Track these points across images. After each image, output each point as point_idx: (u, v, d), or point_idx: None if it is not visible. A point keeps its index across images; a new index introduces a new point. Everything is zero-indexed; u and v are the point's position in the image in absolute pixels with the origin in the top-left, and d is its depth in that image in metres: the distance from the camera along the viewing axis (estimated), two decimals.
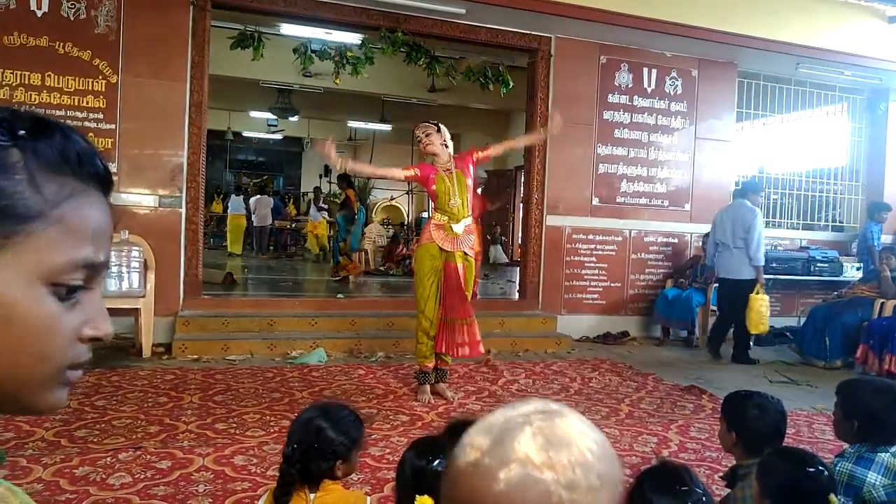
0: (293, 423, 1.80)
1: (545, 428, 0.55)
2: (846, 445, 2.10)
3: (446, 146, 4.28)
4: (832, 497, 1.55)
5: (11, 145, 0.52)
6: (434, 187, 4.20)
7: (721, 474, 2.39)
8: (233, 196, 14.53)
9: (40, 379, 0.54)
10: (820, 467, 1.63)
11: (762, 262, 5.99)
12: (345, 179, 9.30)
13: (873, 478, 1.90)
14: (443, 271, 4.17)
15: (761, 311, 5.88)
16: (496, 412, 0.59)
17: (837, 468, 1.95)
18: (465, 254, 4.24)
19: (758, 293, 5.91)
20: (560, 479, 0.53)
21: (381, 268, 11.06)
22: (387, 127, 13.89)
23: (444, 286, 4.18)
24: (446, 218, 4.20)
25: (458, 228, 4.19)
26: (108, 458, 2.97)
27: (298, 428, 1.74)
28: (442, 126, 4.30)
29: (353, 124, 15.12)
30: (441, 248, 4.18)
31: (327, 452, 1.68)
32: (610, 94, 6.98)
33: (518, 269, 7.79)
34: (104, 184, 0.58)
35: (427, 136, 4.22)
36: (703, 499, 1.42)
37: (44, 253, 0.52)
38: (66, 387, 0.57)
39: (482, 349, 4.28)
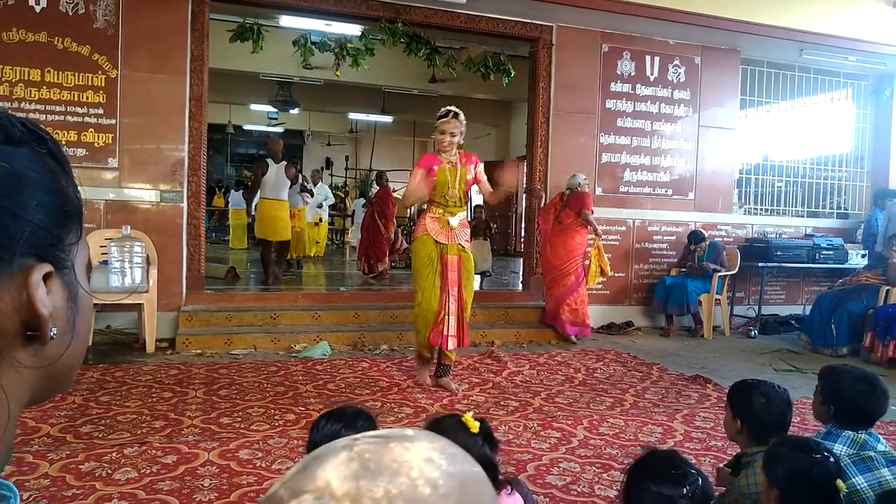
0: (319, 429, 1.74)
1: (368, 452, 0.41)
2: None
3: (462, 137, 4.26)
4: (839, 483, 1.55)
5: (46, 153, 0.52)
6: (435, 178, 4.21)
7: (725, 463, 2.39)
8: (233, 191, 14.48)
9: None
10: (826, 453, 1.62)
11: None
12: None
13: (839, 449, 1.99)
14: (439, 263, 4.20)
15: None
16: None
17: None
18: (462, 246, 4.26)
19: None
20: None
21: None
22: (388, 118, 13.87)
23: (440, 278, 4.19)
24: (441, 210, 4.22)
25: (453, 221, 4.22)
26: (114, 454, 2.98)
27: (327, 435, 1.70)
28: (460, 113, 4.23)
29: (353, 116, 15.11)
30: (436, 241, 4.20)
31: None
32: (612, 83, 6.93)
33: (521, 260, 7.78)
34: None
35: (453, 135, 4.18)
36: (699, 479, 1.42)
37: (84, 244, 0.57)
38: None
39: (451, 346, 4.23)
